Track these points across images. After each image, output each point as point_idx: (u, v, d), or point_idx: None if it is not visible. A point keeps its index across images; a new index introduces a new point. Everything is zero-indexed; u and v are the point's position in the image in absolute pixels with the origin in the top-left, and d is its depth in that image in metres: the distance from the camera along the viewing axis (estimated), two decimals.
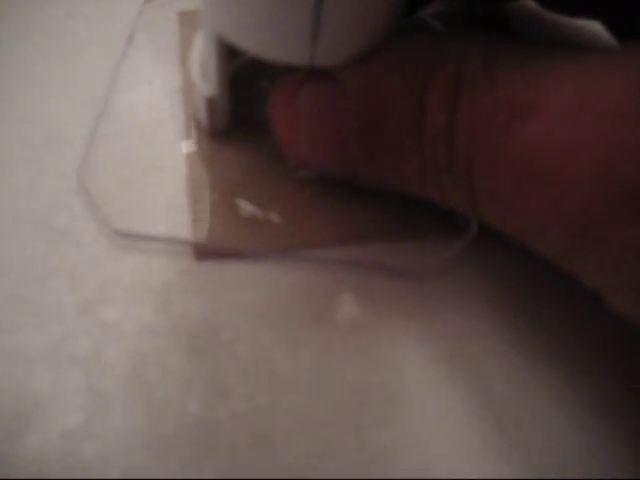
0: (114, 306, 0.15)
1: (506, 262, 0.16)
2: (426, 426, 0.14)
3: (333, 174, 0.15)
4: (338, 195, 0.16)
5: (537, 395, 0.14)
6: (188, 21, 0.18)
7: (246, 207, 0.16)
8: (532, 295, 0.16)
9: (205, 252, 0.15)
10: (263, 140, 0.16)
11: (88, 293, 0.15)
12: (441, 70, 0.12)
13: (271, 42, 0.12)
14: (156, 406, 0.14)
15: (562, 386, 0.15)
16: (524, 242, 0.12)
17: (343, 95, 0.13)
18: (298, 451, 0.14)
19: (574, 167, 0.10)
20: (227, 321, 0.15)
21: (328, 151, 0.14)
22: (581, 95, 0.10)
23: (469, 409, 0.14)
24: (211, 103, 0.15)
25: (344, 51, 0.12)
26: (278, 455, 0.14)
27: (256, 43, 0.12)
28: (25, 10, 0.19)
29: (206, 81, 0.15)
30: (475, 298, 0.16)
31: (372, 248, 0.16)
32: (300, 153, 0.15)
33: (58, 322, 0.15)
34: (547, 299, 0.16)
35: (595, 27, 0.14)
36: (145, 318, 0.15)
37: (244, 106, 0.16)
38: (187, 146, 0.17)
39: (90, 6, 0.19)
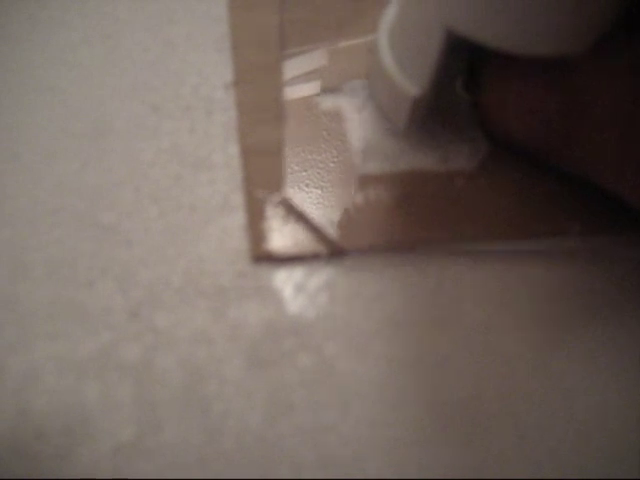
0: (166, 310, 0.14)
1: None
2: (509, 448, 0.13)
3: (532, 151, 0.15)
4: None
5: None
6: (239, 6, 0.17)
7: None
8: None
9: (264, 254, 0.14)
10: None
11: (138, 296, 0.14)
12: None
13: (523, 36, 0.12)
14: (213, 420, 0.13)
15: None
16: None
17: (557, 70, 0.13)
18: (367, 471, 0.13)
19: None
20: (288, 329, 0.14)
21: (533, 125, 0.14)
22: None
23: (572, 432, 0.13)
24: (417, 102, 0.14)
25: (587, 40, 0.12)
26: (345, 475, 0.13)
27: (507, 38, 0.12)
28: None
29: (408, 78, 0.14)
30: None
31: None
32: (507, 125, 0.15)
33: (107, 327, 0.14)
34: None
35: None
36: (199, 324, 0.14)
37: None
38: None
39: None
